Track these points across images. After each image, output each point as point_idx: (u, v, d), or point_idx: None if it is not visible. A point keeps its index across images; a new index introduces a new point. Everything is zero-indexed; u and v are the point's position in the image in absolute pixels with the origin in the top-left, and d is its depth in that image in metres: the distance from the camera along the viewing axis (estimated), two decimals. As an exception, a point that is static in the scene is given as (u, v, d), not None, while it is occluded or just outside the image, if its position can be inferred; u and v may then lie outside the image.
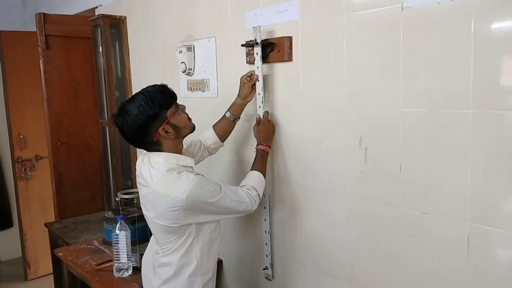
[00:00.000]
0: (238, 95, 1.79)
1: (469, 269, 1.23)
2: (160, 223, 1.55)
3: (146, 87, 1.57)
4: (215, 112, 2.07)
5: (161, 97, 1.53)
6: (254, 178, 1.67)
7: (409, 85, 1.31)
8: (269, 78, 1.76)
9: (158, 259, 1.64)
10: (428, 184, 1.30)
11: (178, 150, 1.62)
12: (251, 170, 1.71)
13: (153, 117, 1.51)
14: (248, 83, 1.75)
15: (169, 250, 1.60)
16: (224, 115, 1.85)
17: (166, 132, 1.54)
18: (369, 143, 1.44)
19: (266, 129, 1.76)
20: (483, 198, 1.18)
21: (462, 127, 1.20)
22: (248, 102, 1.81)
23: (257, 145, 1.76)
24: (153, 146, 1.58)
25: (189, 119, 1.63)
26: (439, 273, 1.30)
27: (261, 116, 1.76)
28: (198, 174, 1.56)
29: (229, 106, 1.84)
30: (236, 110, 1.82)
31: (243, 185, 1.64)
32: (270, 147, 1.76)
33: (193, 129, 1.64)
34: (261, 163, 1.73)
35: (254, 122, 1.78)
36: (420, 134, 1.30)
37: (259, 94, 1.74)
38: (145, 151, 1.63)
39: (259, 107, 1.75)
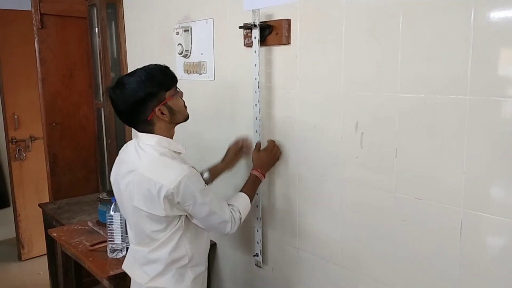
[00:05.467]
0: (223, 159, 1.80)
1: (461, 254, 1.24)
2: (144, 210, 1.46)
3: (148, 65, 1.50)
4: (211, 95, 2.06)
5: (163, 77, 1.48)
6: (242, 201, 1.62)
7: (407, 70, 1.30)
8: (266, 61, 1.75)
9: (145, 256, 1.54)
10: (423, 170, 1.30)
11: (169, 135, 1.54)
12: (240, 191, 1.65)
13: (151, 95, 1.44)
14: (234, 146, 1.78)
15: (157, 243, 1.50)
16: (201, 173, 1.76)
17: (162, 113, 1.47)
18: (365, 128, 1.44)
19: (266, 158, 1.71)
20: (477, 184, 1.19)
21: (459, 113, 1.19)
22: (229, 169, 1.83)
23: (252, 169, 1.71)
24: (145, 126, 1.49)
25: (185, 106, 1.58)
26: (432, 258, 1.31)
27: (261, 142, 1.76)
28: (192, 166, 1.50)
29: (210, 166, 1.84)
30: (215, 174, 1.84)
31: (230, 204, 1.58)
32: (264, 176, 1.71)
33: (187, 117, 1.58)
34: (252, 188, 1.67)
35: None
36: (416, 119, 1.30)
37: (255, 79, 1.73)
38: (131, 141, 1.57)
39: (255, 92, 1.74)
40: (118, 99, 1.46)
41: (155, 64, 1.51)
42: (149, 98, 1.44)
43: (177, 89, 1.53)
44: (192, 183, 1.44)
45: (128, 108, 1.46)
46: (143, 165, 1.46)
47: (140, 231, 1.54)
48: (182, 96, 1.56)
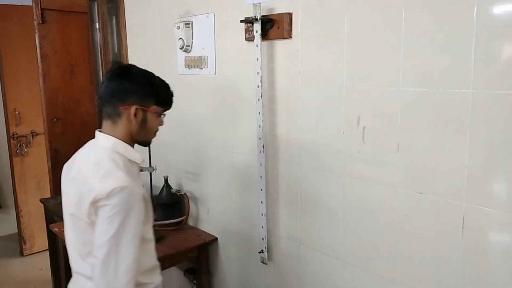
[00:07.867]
0: None
1: (463, 249, 1.24)
2: (73, 213, 1.32)
3: (158, 76, 1.45)
4: (212, 90, 2.05)
5: (163, 92, 1.41)
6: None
7: (409, 64, 1.30)
8: (268, 55, 1.74)
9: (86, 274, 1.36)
10: (425, 164, 1.30)
11: (128, 142, 1.40)
12: None
13: (142, 94, 1.36)
14: None
15: (90, 256, 1.32)
16: None
17: (135, 115, 1.35)
18: (367, 123, 1.44)
19: None
20: (479, 179, 1.18)
21: (462, 106, 1.19)
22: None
23: None
24: (113, 112, 1.36)
25: (155, 133, 1.46)
26: (433, 253, 1.31)
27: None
28: (140, 187, 1.34)
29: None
30: None
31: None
32: None
33: (148, 142, 1.47)
34: None
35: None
36: (418, 113, 1.29)
37: (257, 73, 1.72)
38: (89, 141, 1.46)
39: (258, 86, 1.73)
40: (118, 74, 1.36)
41: (163, 80, 1.45)
42: (139, 94, 1.36)
43: (163, 114, 1.45)
44: (129, 198, 1.25)
45: (117, 86, 1.35)
46: (87, 167, 1.33)
47: (79, 240, 1.37)
48: (161, 124, 1.46)
